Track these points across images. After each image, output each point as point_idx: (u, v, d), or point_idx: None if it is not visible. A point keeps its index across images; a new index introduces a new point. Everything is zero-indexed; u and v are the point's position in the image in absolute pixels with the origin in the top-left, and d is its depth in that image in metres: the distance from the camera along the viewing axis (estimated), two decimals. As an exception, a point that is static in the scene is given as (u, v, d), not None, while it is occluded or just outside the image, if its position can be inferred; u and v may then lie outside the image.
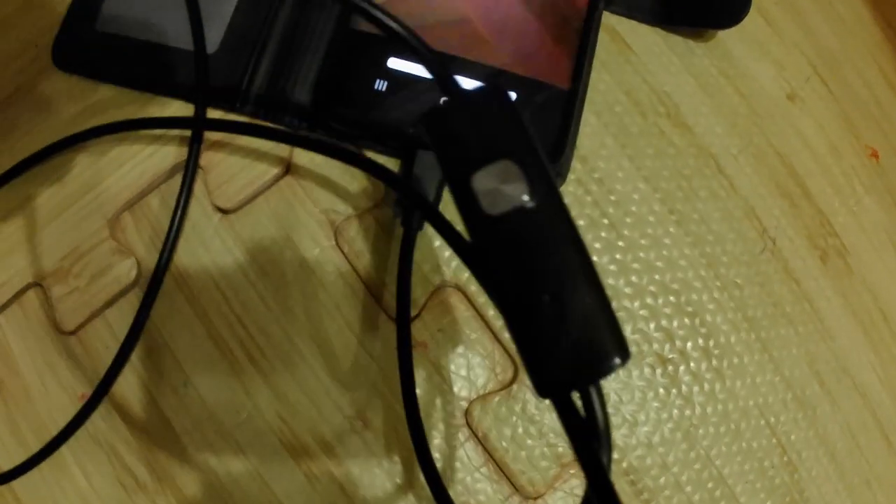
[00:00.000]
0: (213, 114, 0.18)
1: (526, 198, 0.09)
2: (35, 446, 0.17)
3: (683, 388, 0.17)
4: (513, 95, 0.17)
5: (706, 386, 0.18)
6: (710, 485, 0.17)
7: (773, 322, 0.18)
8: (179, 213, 0.17)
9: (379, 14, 0.11)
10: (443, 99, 0.10)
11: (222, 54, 0.18)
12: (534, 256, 0.09)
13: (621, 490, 0.17)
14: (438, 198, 0.16)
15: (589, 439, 0.09)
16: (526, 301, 0.09)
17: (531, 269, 0.09)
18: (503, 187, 0.09)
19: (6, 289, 0.17)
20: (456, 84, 0.11)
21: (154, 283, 0.16)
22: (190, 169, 0.17)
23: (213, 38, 0.18)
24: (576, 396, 0.09)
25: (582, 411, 0.09)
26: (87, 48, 0.18)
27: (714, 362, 0.18)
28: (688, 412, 0.17)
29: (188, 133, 0.18)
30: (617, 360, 0.09)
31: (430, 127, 0.10)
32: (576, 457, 0.09)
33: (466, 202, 0.09)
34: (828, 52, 0.21)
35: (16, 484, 0.17)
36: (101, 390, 0.16)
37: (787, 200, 0.19)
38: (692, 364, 0.18)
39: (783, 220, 0.19)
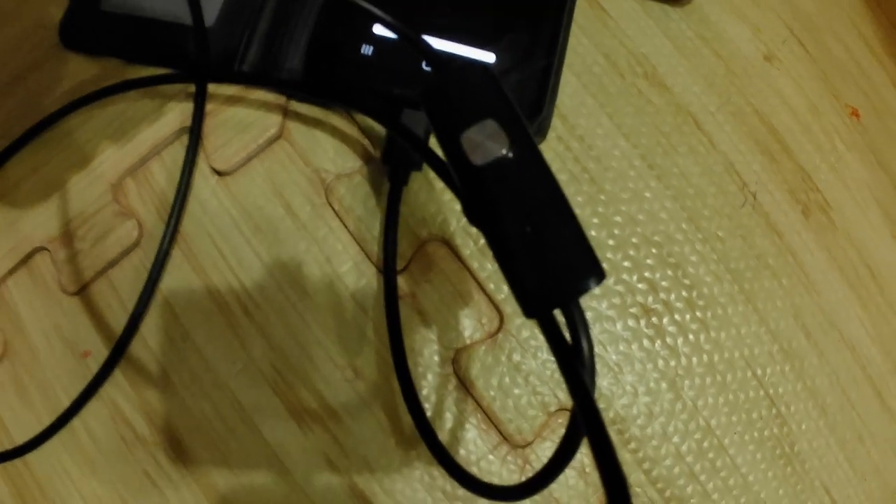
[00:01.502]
0: (211, 84, 0.19)
1: (505, 150, 0.11)
2: (41, 405, 0.19)
3: (668, 338, 0.18)
4: (493, 57, 0.18)
5: (691, 337, 0.18)
6: (697, 435, 0.18)
7: (756, 274, 0.19)
8: (190, 160, 0.18)
9: (370, 7, 0.13)
10: (421, 63, 0.12)
11: (220, 27, 0.19)
12: (514, 196, 0.11)
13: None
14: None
15: (571, 355, 0.10)
16: (510, 233, 0.11)
17: (512, 206, 0.11)
18: (487, 142, 0.11)
19: (14, 253, 0.19)
20: (445, 62, 0.13)
21: (164, 247, 0.18)
22: (196, 123, 0.18)
23: (211, 12, 0.19)
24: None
25: (567, 336, 0.11)
26: (93, 27, 0.20)
27: (698, 313, 0.19)
28: (673, 363, 0.18)
29: (187, 102, 0.19)
30: (593, 279, 0.10)
31: (425, 100, 0.12)
32: (561, 373, 0.10)
33: (456, 156, 0.11)
34: (805, 15, 0.22)
35: (19, 436, 0.18)
36: (112, 360, 0.18)
37: (766, 157, 0.20)
38: (676, 315, 0.19)
39: (763, 176, 0.20)
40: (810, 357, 0.19)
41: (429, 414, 0.17)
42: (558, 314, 0.11)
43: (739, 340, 0.19)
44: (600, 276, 0.10)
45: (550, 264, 0.10)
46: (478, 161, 0.11)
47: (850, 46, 0.22)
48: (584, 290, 0.10)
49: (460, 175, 0.11)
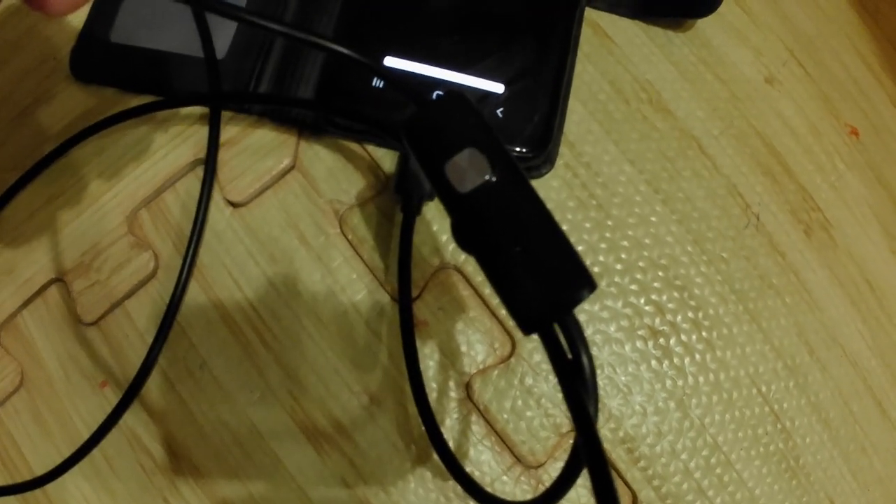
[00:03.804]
0: (223, 117, 0.20)
1: (488, 175, 0.11)
2: (59, 435, 0.19)
3: (675, 359, 0.19)
4: (501, 88, 0.19)
5: (697, 357, 0.19)
6: (704, 452, 0.19)
7: (760, 294, 0.20)
8: (207, 190, 0.19)
9: (353, 54, 0.14)
10: (432, 94, 0.13)
11: (231, 60, 0.20)
12: (502, 219, 0.11)
13: (618, 458, 0.19)
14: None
15: (572, 372, 0.11)
16: (501, 255, 0.11)
17: (501, 228, 0.11)
18: (470, 170, 0.12)
19: (29, 285, 0.20)
20: (423, 97, 0.13)
21: (182, 278, 0.18)
22: (212, 150, 0.19)
23: (222, 44, 0.20)
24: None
25: (567, 352, 0.11)
26: (103, 59, 0.21)
27: (704, 333, 0.20)
28: (680, 382, 0.19)
29: (200, 134, 0.20)
30: (586, 289, 0.11)
31: (407, 135, 0.12)
32: (561, 390, 0.11)
33: (442, 187, 0.12)
34: (804, 36, 0.23)
35: (37, 466, 0.19)
36: (132, 390, 0.18)
37: (769, 178, 0.21)
38: (683, 336, 0.20)
39: (766, 197, 0.21)
40: (814, 372, 0.20)
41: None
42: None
43: (744, 359, 0.20)
44: (592, 286, 0.11)
45: (543, 280, 0.11)
46: (463, 189, 0.11)
47: (848, 65, 0.23)
48: (578, 300, 0.11)
49: (448, 204, 0.12)
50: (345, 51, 0.14)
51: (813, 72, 0.23)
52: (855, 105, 0.23)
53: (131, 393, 0.19)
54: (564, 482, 0.12)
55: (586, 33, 0.21)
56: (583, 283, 0.11)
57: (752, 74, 0.22)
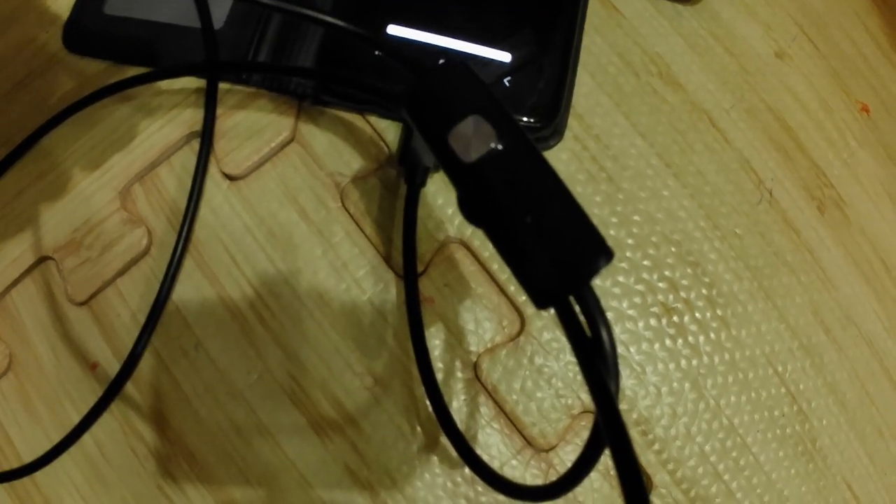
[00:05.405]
0: (220, 88, 0.19)
1: (494, 143, 0.11)
2: (48, 420, 0.18)
3: (690, 337, 0.18)
4: (508, 57, 0.18)
5: (712, 335, 0.18)
6: (720, 435, 0.18)
7: (775, 271, 0.19)
8: (203, 162, 0.17)
9: (348, 26, 0.13)
10: (437, 62, 0.12)
11: (228, 29, 0.19)
12: (510, 187, 0.10)
13: (632, 440, 0.17)
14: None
15: (590, 347, 0.10)
16: (511, 226, 0.10)
17: (510, 198, 0.10)
18: (474, 138, 0.11)
19: (18, 263, 0.18)
20: (422, 66, 0.12)
21: (176, 254, 0.17)
22: (208, 122, 0.17)
23: (220, 14, 0.19)
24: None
25: (586, 329, 0.10)
26: (97, 31, 0.20)
27: (719, 311, 0.18)
28: (695, 362, 0.18)
29: (195, 107, 0.19)
30: (602, 259, 0.10)
31: (407, 106, 0.11)
32: (580, 368, 0.10)
33: (446, 158, 0.11)
34: (813, 12, 0.22)
35: (26, 452, 0.17)
36: (123, 373, 0.17)
37: (781, 153, 0.20)
38: (697, 313, 0.18)
39: (779, 172, 0.20)
40: (830, 352, 0.19)
41: (450, 420, 0.17)
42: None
43: (760, 338, 0.18)
44: (609, 254, 0.10)
45: (556, 250, 0.10)
46: (468, 159, 0.11)
47: (857, 42, 0.22)
48: (595, 271, 0.10)
49: (453, 176, 0.11)
50: (340, 23, 0.13)
51: (823, 48, 0.21)
52: (865, 82, 0.22)
53: (123, 375, 0.17)
54: (585, 463, 0.11)
55: (594, 5, 0.20)
56: (599, 251, 0.10)
57: (762, 49, 0.21)
